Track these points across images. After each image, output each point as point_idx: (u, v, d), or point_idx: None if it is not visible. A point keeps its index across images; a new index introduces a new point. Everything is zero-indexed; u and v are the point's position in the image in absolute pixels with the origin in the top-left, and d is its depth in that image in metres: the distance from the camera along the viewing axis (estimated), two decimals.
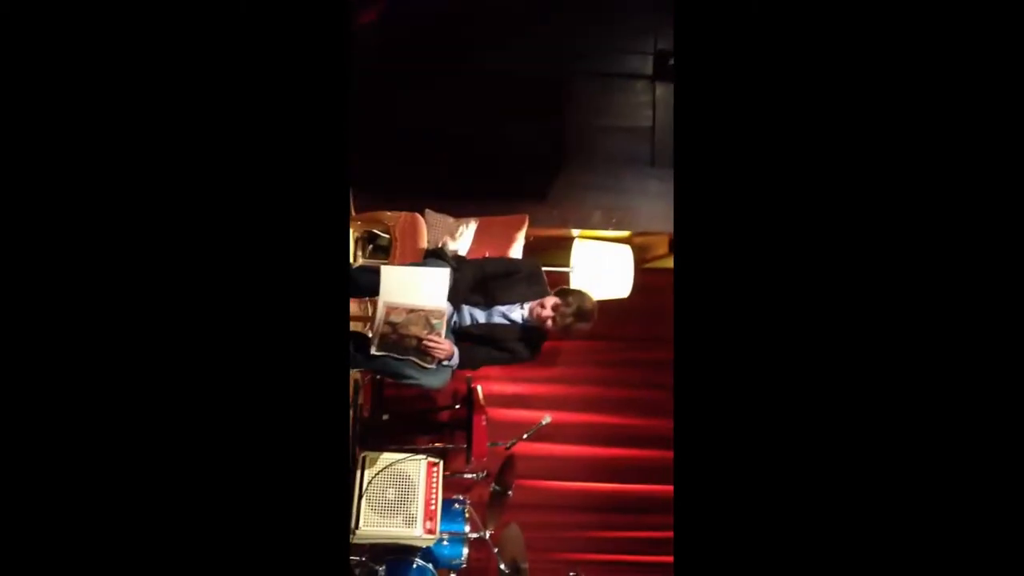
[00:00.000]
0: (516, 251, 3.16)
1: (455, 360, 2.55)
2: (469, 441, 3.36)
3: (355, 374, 3.49)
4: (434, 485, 3.04)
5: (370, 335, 2.50)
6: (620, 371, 4.03)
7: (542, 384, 3.99)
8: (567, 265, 3.50)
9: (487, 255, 3.06)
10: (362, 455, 3.07)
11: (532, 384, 3.98)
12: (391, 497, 2.98)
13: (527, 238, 3.21)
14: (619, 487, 4.04)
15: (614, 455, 4.03)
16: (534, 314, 2.59)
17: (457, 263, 2.68)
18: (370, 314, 2.94)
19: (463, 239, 3.13)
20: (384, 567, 3.08)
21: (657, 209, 3.48)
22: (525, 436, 3.45)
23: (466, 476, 3.63)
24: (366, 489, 2.96)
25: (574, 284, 3.35)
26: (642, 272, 3.60)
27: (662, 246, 3.80)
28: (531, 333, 2.65)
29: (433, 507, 3.01)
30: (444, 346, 2.44)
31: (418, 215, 3.07)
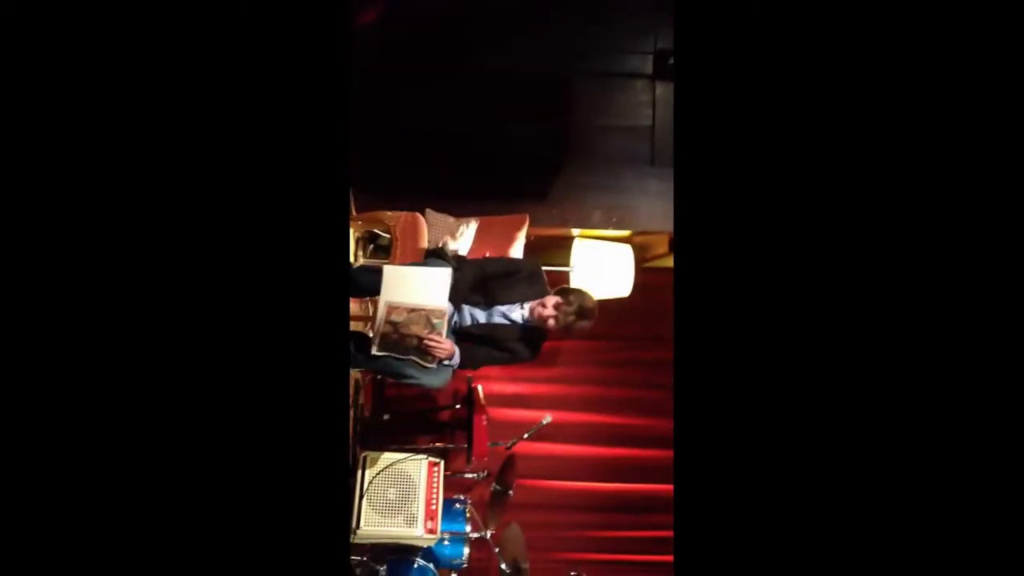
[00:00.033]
0: (517, 251, 3.16)
1: (456, 360, 2.55)
2: (470, 441, 3.36)
3: (356, 374, 3.49)
4: (435, 485, 3.04)
5: (371, 335, 2.50)
6: (621, 371, 4.03)
7: (543, 384, 3.99)
8: (567, 265, 3.50)
9: (487, 255, 3.06)
10: (363, 455, 3.07)
11: (533, 384, 3.98)
12: (392, 497, 2.99)
13: (528, 238, 3.21)
14: (620, 487, 4.04)
15: (615, 455, 4.03)
16: (535, 314, 2.59)
17: (457, 263, 2.68)
18: (371, 314, 2.95)
19: (464, 239, 3.13)
20: (385, 567, 3.08)
21: (657, 208, 3.48)
22: (526, 436, 3.45)
23: (467, 476, 3.63)
24: (367, 489, 2.96)
25: (574, 283, 3.35)
26: (642, 271, 3.60)
27: (662, 245, 3.81)
28: (531, 333, 2.65)
29: (434, 507, 3.01)
30: (445, 346, 2.45)
31: (419, 215, 3.07)
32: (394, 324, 2.41)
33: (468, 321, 2.65)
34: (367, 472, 3.00)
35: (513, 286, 2.67)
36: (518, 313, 2.65)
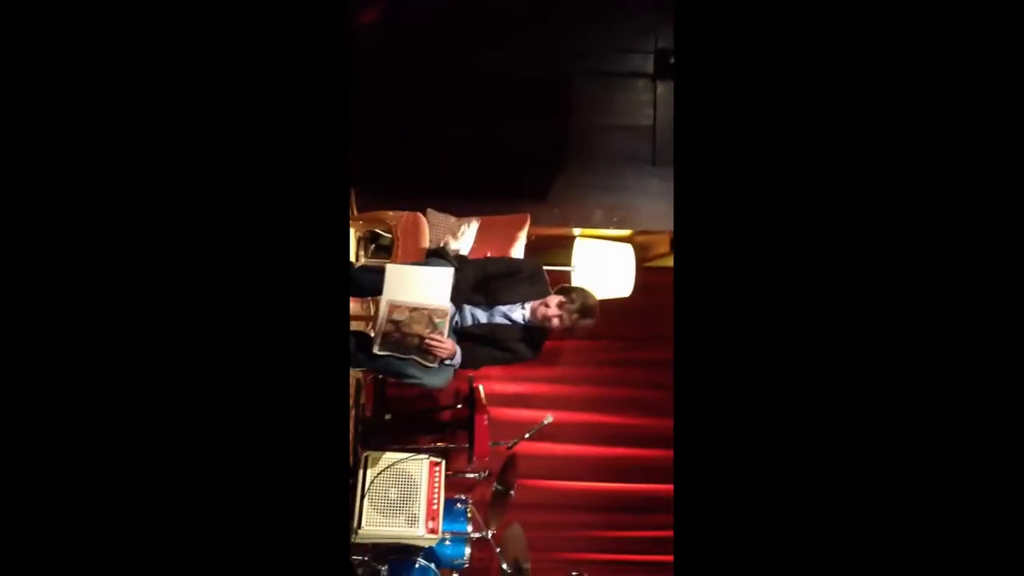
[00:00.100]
0: (518, 250, 3.16)
1: (457, 359, 2.55)
2: (471, 441, 3.36)
3: (357, 373, 3.49)
4: (436, 485, 3.04)
5: (372, 334, 2.50)
6: (622, 370, 4.04)
7: (544, 384, 3.99)
8: (569, 264, 3.50)
9: (489, 254, 3.06)
10: (364, 455, 3.07)
11: (534, 384, 3.98)
12: (393, 497, 2.99)
13: (529, 237, 3.21)
14: (621, 487, 4.04)
15: (616, 454, 4.03)
16: (538, 314, 2.58)
17: (459, 263, 2.68)
18: (372, 313, 2.95)
19: (465, 238, 3.13)
20: (386, 567, 3.09)
21: (658, 208, 3.48)
22: (527, 436, 3.46)
23: (468, 476, 3.63)
24: (368, 489, 2.96)
25: (575, 283, 3.35)
26: (643, 271, 3.60)
27: (663, 245, 3.80)
28: (532, 333, 2.65)
29: (435, 507, 3.01)
30: (446, 345, 2.45)
31: (420, 215, 3.07)
32: (396, 323, 2.41)
33: (469, 321, 2.65)
34: (368, 472, 3.00)
35: (514, 286, 2.67)
36: (519, 313, 2.65)
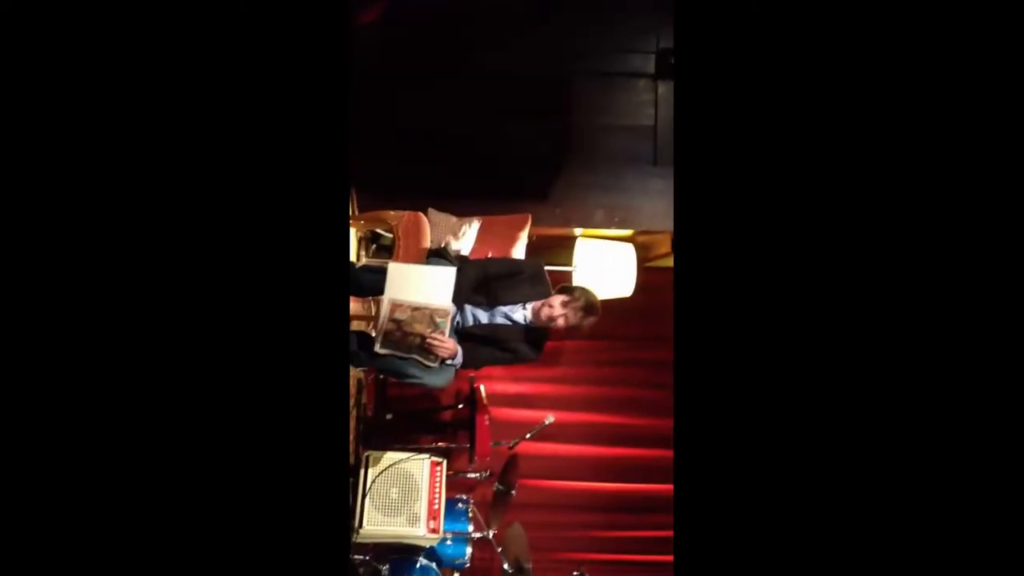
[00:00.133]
0: (519, 250, 3.16)
1: (458, 359, 2.55)
2: (472, 440, 3.36)
3: (359, 373, 3.50)
4: (437, 484, 3.04)
5: (374, 333, 2.50)
6: (623, 370, 4.04)
7: (545, 384, 4.00)
8: (570, 264, 3.50)
9: (490, 254, 3.06)
10: (366, 454, 3.08)
11: (535, 384, 3.98)
12: (395, 496, 2.99)
13: (530, 237, 3.21)
14: (622, 486, 4.04)
15: (617, 455, 4.04)
16: (543, 315, 2.57)
17: (460, 263, 2.68)
18: (373, 313, 2.95)
19: (466, 238, 3.13)
20: (388, 566, 3.09)
21: (659, 208, 3.48)
22: (528, 436, 3.46)
23: (469, 475, 3.63)
24: (370, 488, 2.97)
25: (576, 283, 3.35)
26: (645, 271, 3.61)
27: (665, 245, 3.80)
28: (534, 333, 2.65)
29: (436, 506, 3.01)
30: (448, 345, 2.45)
31: (421, 215, 3.07)
32: (397, 322, 2.41)
33: (470, 321, 2.65)
34: (370, 471, 3.01)
35: (516, 287, 2.67)
36: (520, 314, 2.64)
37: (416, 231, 3.03)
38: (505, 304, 2.65)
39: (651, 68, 3.50)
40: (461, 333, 2.63)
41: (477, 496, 3.59)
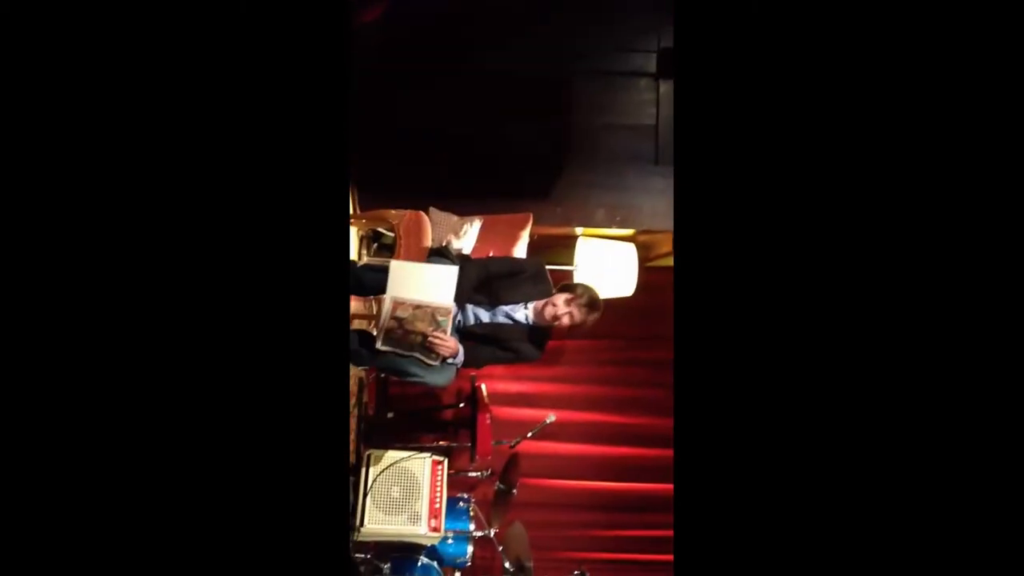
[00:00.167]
0: (520, 249, 3.16)
1: (460, 358, 2.55)
2: (473, 439, 3.37)
3: (360, 372, 3.50)
4: (438, 483, 3.05)
5: (375, 332, 2.50)
6: (625, 370, 4.04)
7: (546, 383, 4.00)
8: (571, 263, 3.50)
9: (491, 253, 3.06)
10: (367, 453, 3.09)
11: (536, 383, 3.99)
12: (396, 495, 3.00)
13: (531, 236, 3.21)
14: (623, 486, 4.04)
15: (619, 454, 4.04)
16: (547, 315, 2.57)
17: (461, 262, 2.68)
18: (375, 312, 2.95)
19: (467, 237, 3.13)
20: (389, 565, 3.10)
21: (661, 207, 3.48)
22: (529, 435, 3.46)
23: (470, 474, 3.64)
24: (371, 487, 2.97)
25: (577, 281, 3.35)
26: (646, 270, 3.61)
27: (666, 244, 3.80)
28: (535, 333, 2.65)
29: (438, 505, 3.02)
30: (449, 343, 2.45)
31: (423, 213, 3.08)
32: (399, 320, 2.41)
33: (472, 320, 2.65)
34: (371, 470, 3.01)
35: (517, 286, 2.67)
36: (522, 313, 2.64)
37: (417, 230, 3.04)
38: (507, 303, 2.65)
39: (653, 67, 3.50)
40: (462, 332, 2.63)
41: (478, 495, 3.59)
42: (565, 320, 2.55)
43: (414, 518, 2.98)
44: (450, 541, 3.23)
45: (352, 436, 3.33)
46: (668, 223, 3.53)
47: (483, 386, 3.60)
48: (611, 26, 3.42)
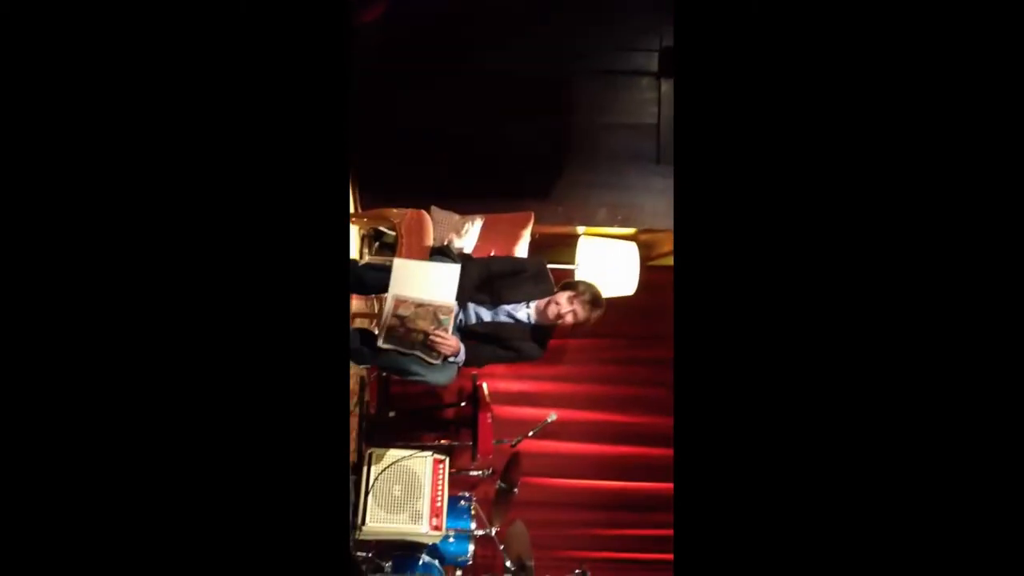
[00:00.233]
0: (522, 248, 3.16)
1: (461, 357, 2.55)
2: (475, 438, 3.37)
3: (362, 371, 3.51)
4: (440, 482, 3.05)
5: (376, 330, 2.51)
6: (626, 369, 4.04)
7: (548, 382, 4.00)
8: (573, 262, 3.50)
9: (493, 253, 3.06)
10: (368, 451, 3.09)
11: (538, 382, 3.99)
12: (397, 493, 3.00)
13: (533, 235, 3.21)
14: (624, 485, 4.05)
15: (620, 453, 4.04)
16: (550, 313, 2.56)
17: (463, 261, 2.68)
18: (376, 311, 2.96)
19: (469, 236, 3.13)
20: (390, 563, 3.10)
21: (662, 206, 3.48)
22: (531, 433, 3.46)
23: (472, 473, 3.64)
24: (373, 485, 2.98)
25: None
26: (647, 269, 3.61)
27: (667, 243, 3.80)
28: (537, 332, 2.65)
29: (439, 504, 3.03)
30: (451, 342, 2.45)
31: (424, 212, 3.08)
32: (401, 318, 2.41)
33: (473, 319, 2.65)
34: (373, 469, 3.02)
35: (519, 285, 2.67)
36: (523, 312, 2.64)
37: (419, 229, 3.04)
38: (508, 302, 2.65)
39: (654, 66, 3.49)
40: (464, 331, 2.63)
41: (479, 494, 3.60)
42: (568, 318, 2.54)
43: (415, 517, 2.99)
44: (451, 540, 3.23)
45: (354, 435, 3.34)
46: (669, 222, 3.52)
47: (484, 385, 3.60)
48: (612, 25, 3.42)
